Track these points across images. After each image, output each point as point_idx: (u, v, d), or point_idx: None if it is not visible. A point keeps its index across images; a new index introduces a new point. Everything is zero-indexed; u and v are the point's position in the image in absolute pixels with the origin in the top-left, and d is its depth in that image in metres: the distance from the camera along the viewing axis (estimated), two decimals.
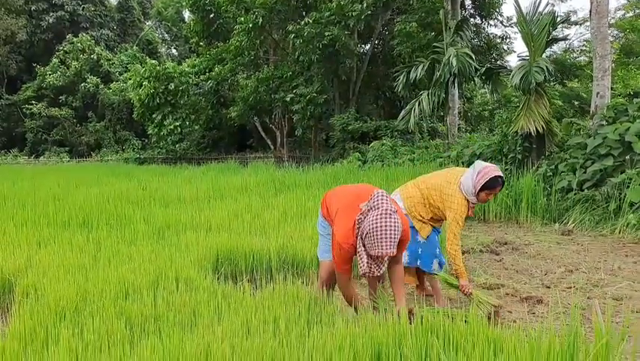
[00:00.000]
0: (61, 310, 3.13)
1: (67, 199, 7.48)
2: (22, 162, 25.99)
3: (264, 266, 4.58)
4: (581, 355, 2.35)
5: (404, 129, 13.82)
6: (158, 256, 4.32)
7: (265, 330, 2.80)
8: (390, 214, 2.93)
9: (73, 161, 25.83)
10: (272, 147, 20.94)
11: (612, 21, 16.97)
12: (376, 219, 2.91)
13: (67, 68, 28.48)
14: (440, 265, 4.13)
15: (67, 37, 29.30)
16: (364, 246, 2.99)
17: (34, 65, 29.83)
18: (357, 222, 3.04)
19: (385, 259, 3.01)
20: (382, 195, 3.05)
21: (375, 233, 2.89)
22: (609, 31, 10.51)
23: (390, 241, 2.89)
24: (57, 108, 28.44)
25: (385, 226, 2.88)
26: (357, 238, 3.03)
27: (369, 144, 14.33)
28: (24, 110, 29.17)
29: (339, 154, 15.77)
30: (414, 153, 12.17)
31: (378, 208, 2.96)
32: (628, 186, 6.69)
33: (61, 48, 29.13)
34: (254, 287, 4.09)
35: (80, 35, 29.25)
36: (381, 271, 3.06)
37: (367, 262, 3.00)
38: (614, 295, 4.22)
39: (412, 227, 3.96)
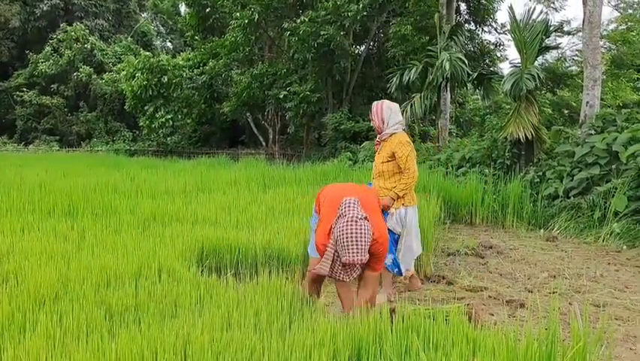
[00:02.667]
0: (40, 297, 3.10)
1: (54, 187, 7.40)
2: (11, 149, 25.70)
3: (249, 261, 4.57)
4: (559, 357, 2.38)
5: None
6: (143, 246, 4.29)
7: (246, 324, 2.79)
8: (356, 221, 2.94)
9: (63, 150, 25.58)
10: (264, 143, 20.91)
11: (604, 33, 17.13)
12: (343, 226, 2.94)
13: (60, 57, 28.21)
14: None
15: (61, 25, 29.01)
16: (337, 251, 3.02)
17: (27, 52, 29.52)
18: (332, 227, 3.06)
19: (356, 267, 3.03)
20: (350, 203, 3.06)
21: (341, 240, 2.92)
22: (601, 43, 10.63)
23: (357, 248, 2.90)
24: (48, 97, 28.17)
25: (351, 233, 2.90)
26: (331, 242, 3.06)
27: (360, 144, 14.35)
28: (15, 97, 28.85)
29: (331, 153, 15.79)
30: None
31: (345, 216, 2.99)
32: (613, 195, 6.76)
33: (55, 36, 28.84)
34: (238, 281, 4.08)
35: (74, 24, 28.97)
36: (350, 279, 3.08)
37: (332, 264, 3.03)
38: (595, 302, 4.27)
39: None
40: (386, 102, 4.45)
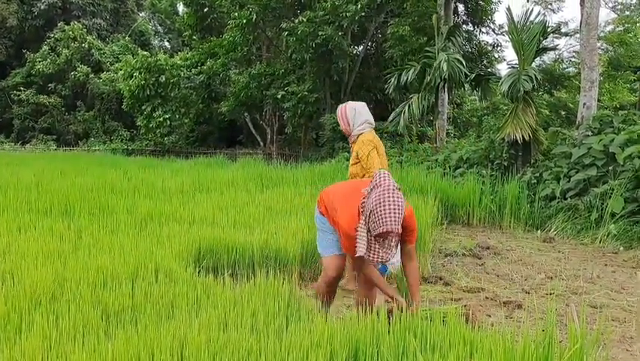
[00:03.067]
0: (37, 297, 3.09)
1: (51, 187, 7.38)
2: (8, 148, 25.62)
3: (246, 261, 4.56)
4: (556, 359, 2.38)
5: (394, 131, 13.86)
6: (139, 246, 4.28)
7: (243, 324, 2.78)
8: (394, 190, 2.89)
9: (60, 149, 25.50)
10: (261, 143, 20.88)
11: (602, 34, 17.19)
12: (379, 195, 2.86)
13: (58, 56, 28.12)
14: None
15: (59, 24, 28.92)
16: (369, 229, 2.94)
17: (24, 51, 29.43)
18: (361, 205, 3.00)
19: (393, 242, 2.95)
20: (384, 174, 3.00)
21: (378, 209, 2.84)
22: (598, 44, 10.66)
23: (394, 216, 2.83)
24: (46, 96, 28.07)
25: (388, 201, 2.83)
26: (362, 221, 2.99)
27: None
28: (12, 96, 28.75)
29: (329, 153, 15.77)
30: (402, 156, 12.22)
31: (380, 185, 2.92)
32: (610, 197, 6.78)
33: (52, 35, 28.74)
34: (235, 282, 4.07)
35: (71, 23, 28.90)
36: (390, 257, 3.00)
37: (368, 245, 2.95)
38: (592, 303, 4.28)
39: None
40: (350, 103, 4.36)
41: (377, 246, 2.96)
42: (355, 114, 4.26)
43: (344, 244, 3.18)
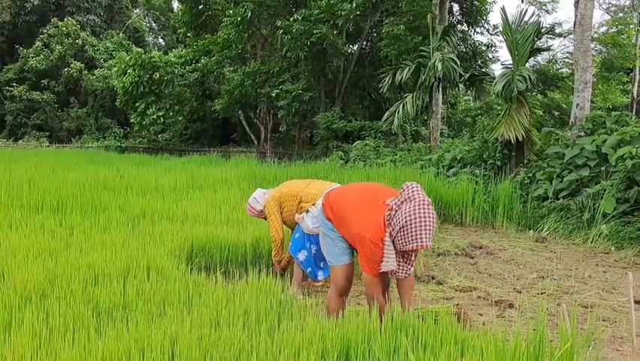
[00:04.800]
0: (27, 294, 3.07)
1: (43, 183, 7.34)
2: (0, 144, 25.46)
3: (238, 259, 4.56)
4: (546, 358, 2.39)
5: (388, 131, 13.90)
6: (131, 244, 4.26)
7: (235, 322, 2.78)
8: (428, 205, 2.79)
9: (53, 146, 25.40)
10: (255, 142, 20.85)
11: (595, 36, 17.29)
12: (413, 210, 2.76)
13: (51, 52, 27.97)
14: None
15: (52, 20, 28.78)
16: (394, 242, 2.84)
17: (17, 46, 29.23)
18: (387, 217, 2.87)
19: (413, 256, 2.91)
20: (416, 187, 2.89)
21: (413, 225, 2.74)
22: (592, 45, 10.71)
23: (429, 233, 2.74)
24: (39, 92, 27.93)
25: (424, 216, 2.74)
26: (387, 234, 2.86)
27: (352, 144, 14.36)
28: (4, 92, 28.56)
29: (323, 152, 15.78)
30: (396, 155, 12.23)
31: (414, 199, 2.81)
32: (602, 197, 6.81)
33: (46, 31, 28.58)
34: (227, 280, 4.06)
35: (65, 19, 28.73)
36: (411, 271, 2.93)
37: (396, 259, 2.87)
38: (583, 303, 4.30)
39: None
40: (249, 201, 4.59)
41: (400, 259, 2.89)
42: (256, 202, 4.54)
43: (365, 254, 2.96)
